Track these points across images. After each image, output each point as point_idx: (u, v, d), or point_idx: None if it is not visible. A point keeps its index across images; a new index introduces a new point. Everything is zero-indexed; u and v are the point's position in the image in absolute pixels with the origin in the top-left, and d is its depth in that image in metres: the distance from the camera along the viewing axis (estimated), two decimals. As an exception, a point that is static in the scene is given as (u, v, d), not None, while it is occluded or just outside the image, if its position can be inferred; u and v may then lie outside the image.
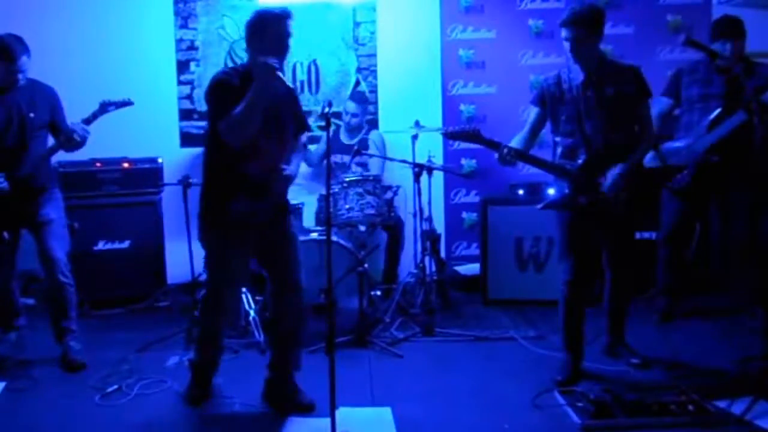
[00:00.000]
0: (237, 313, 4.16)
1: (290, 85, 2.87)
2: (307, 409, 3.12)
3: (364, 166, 5.02)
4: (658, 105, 4.09)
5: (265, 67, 2.73)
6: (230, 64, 5.23)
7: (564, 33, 3.27)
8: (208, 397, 3.30)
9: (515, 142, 3.42)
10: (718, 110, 3.96)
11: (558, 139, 3.45)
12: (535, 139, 3.53)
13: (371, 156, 4.86)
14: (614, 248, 3.52)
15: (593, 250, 3.45)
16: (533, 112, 3.51)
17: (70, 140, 3.57)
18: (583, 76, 3.33)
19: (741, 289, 4.34)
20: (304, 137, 3.27)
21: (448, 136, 3.63)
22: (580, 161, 3.35)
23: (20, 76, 3.57)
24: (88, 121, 3.64)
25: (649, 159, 3.70)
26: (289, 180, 3.06)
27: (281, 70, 2.78)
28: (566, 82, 3.37)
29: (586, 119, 3.33)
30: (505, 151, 3.27)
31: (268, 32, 2.87)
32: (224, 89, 2.87)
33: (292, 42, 2.91)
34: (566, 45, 3.29)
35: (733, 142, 3.91)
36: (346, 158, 4.82)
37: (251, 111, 2.75)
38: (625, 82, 3.33)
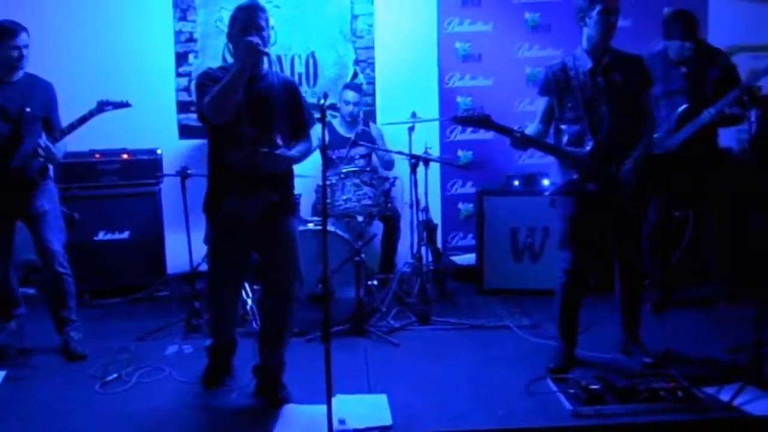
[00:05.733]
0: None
1: (267, 51, 2.90)
2: (281, 403, 3.13)
3: (366, 158, 5.03)
4: None
5: (248, 45, 2.83)
6: (228, 57, 5.26)
7: (614, 18, 3.27)
8: (223, 382, 3.37)
9: (530, 130, 3.43)
10: (685, 105, 4.00)
11: (563, 126, 3.42)
12: (549, 129, 3.50)
13: (368, 147, 4.89)
14: (622, 241, 3.47)
15: (595, 241, 3.44)
16: (543, 102, 3.47)
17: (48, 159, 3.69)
18: (592, 63, 3.34)
19: (731, 280, 4.39)
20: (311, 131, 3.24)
21: (458, 121, 3.60)
22: (587, 148, 3.32)
23: (23, 52, 3.60)
24: (84, 119, 3.67)
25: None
26: (278, 159, 3.01)
27: (265, 48, 2.87)
28: (573, 69, 3.35)
29: (594, 105, 3.32)
30: (518, 135, 3.27)
31: (237, 22, 2.99)
32: (208, 77, 3.00)
33: (269, 34, 3.00)
34: (609, 31, 3.26)
35: (707, 135, 3.98)
36: (343, 152, 4.83)
37: (232, 84, 2.83)
38: (632, 71, 3.36)
